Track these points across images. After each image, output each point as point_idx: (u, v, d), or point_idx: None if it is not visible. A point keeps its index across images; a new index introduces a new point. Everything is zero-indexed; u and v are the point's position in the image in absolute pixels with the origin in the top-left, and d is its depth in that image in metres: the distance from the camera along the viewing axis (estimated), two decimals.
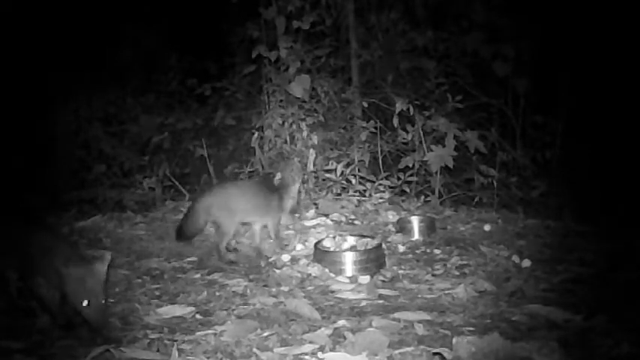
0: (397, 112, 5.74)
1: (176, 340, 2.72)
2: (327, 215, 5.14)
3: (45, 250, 2.90)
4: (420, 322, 2.89)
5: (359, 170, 5.83)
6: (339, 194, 5.62)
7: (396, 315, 2.99)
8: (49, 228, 3.17)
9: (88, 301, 2.70)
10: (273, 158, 5.95)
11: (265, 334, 2.78)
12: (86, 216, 5.30)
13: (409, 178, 5.73)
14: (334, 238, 4.20)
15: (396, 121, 5.82)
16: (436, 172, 5.66)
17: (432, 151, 5.64)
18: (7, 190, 5.34)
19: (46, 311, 2.98)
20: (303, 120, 5.91)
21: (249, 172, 5.76)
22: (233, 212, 4.16)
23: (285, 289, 3.52)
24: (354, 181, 5.72)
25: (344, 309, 3.21)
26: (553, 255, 4.10)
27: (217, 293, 3.43)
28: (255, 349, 2.60)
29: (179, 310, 3.16)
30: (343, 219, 5.12)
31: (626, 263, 3.73)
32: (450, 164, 5.53)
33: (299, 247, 4.34)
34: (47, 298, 2.95)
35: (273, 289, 3.50)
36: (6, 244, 3.04)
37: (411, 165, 5.76)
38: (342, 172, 5.64)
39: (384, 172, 5.87)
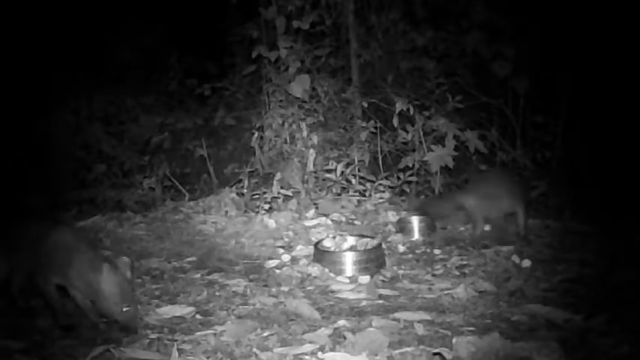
0: (397, 112, 5.74)
1: (176, 340, 2.72)
2: (327, 215, 5.14)
3: (67, 249, 2.89)
4: (420, 322, 2.89)
5: (359, 170, 5.83)
6: (339, 194, 5.62)
7: (396, 315, 3.00)
8: (69, 227, 3.17)
9: (127, 307, 2.75)
10: (273, 158, 5.95)
11: (265, 334, 2.79)
12: (86, 216, 5.30)
13: (409, 178, 5.72)
14: (334, 238, 4.20)
15: (396, 121, 5.82)
16: (436, 172, 5.65)
17: (432, 151, 5.64)
18: (6, 190, 5.35)
19: (51, 310, 2.99)
20: (303, 120, 5.90)
21: (249, 172, 5.75)
22: None
23: (285, 289, 3.52)
24: (354, 181, 5.72)
25: (344, 309, 3.21)
26: (553, 255, 4.10)
27: (217, 293, 3.44)
28: (255, 349, 2.60)
29: (179, 310, 3.16)
30: (343, 219, 5.12)
31: (626, 263, 3.73)
32: (450, 164, 5.53)
33: (299, 247, 4.35)
34: (55, 297, 2.96)
35: (273, 289, 3.50)
36: (22, 241, 3.02)
37: (411, 165, 5.76)
38: (342, 172, 5.64)
39: (384, 172, 5.87)
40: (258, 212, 5.24)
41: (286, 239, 4.62)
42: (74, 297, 2.99)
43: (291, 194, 5.49)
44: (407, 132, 5.86)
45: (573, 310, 2.98)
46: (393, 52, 6.41)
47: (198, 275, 3.78)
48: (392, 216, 5.13)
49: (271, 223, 4.93)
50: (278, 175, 5.59)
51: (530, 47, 6.02)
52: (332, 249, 4.03)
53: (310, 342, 2.69)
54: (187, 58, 7.36)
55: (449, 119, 5.71)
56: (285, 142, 5.94)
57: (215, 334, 2.80)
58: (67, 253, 2.87)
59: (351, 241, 4.14)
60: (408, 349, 2.57)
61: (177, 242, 4.56)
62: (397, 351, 2.55)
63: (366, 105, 6.16)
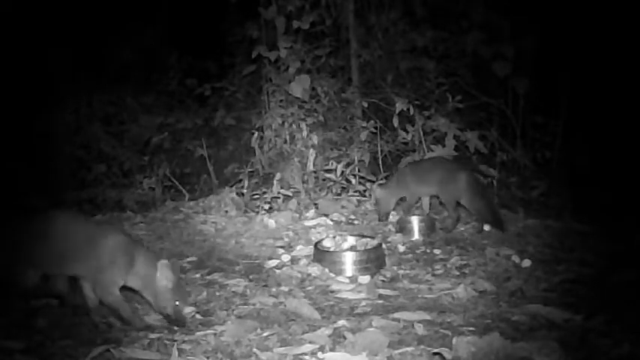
0: (397, 112, 5.75)
1: (176, 340, 2.72)
2: (327, 215, 5.14)
3: (128, 251, 2.96)
4: (420, 322, 2.89)
5: (359, 170, 5.83)
6: (339, 194, 5.62)
7: (396, 315, 2.99)
8: (119, 229, 3.17)
9: (178, 302, 2.94)
10: (273, 158, 5.95)
11: (265, 334, 2.79)
12: (86, 216, 5.29)
13: None
14: (334, 238, 4.20)
15: (396, 121, 5.82)
16: None
17: (432, 151, 5.64)
18: (6, 190, 5.35)
19: (116, 316, 2.99)
20: (303, 120, 5.91)
21: (249, 172, 5.75)
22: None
23: (285, 289, 3.52)
24: (354, 181, 5.72)
25: (344, 309, 3.21)
26: (553, 255, 4.10)
27: (217, 293, 3.44)
28: (255, 349, 2.60)
29: None
30: (343, 219, 5.12)
31: (626, 263, 3.73)
32: None
33: (299, 247, 4.35)
34: (121, 300, 2.99)
35: (273, 289, 3.50)
36: (76, 247, 2.98)
37: None
38: (342, 172, 5.64)
39: (384, 172, 5.87)
40: (258, 212, 5.24)
41: (286, 239, 4.62)
42: (83, 292, 3.00)
43: (291, 194, 5.49)
44: (407, 132, 5.87)
45: (573, 310, 2.98)
46: (393, 52, 6.42)
47: (198, 275, 3.78)
48: (392, 216, 5.14)
49: (271, 223, 4.93)
50: (278, 175, 5.59)
51: (530, 47, 6.02)
52: (332, 249, 4.03)
53: (310, 342, 2.69)
54: (187, 58, 7.37)
55: (449, 119, 5.72)
56: (285, 142, 5.94)
57: (215, 334, 2.79)
58: (128, 254, 2.95)
59: (351, 241, 4.13)
60: (408, 349, 2.57)
61: (178, 242, 4.56)
62: (397, 351, 2.55)
63: (366, 105, 6.17)
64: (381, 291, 3.49)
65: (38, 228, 3.02)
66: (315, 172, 5.78)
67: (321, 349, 2.61)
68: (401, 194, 5.03)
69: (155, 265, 2.92)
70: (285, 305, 3.18)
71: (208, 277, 3.73)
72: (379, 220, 4.99)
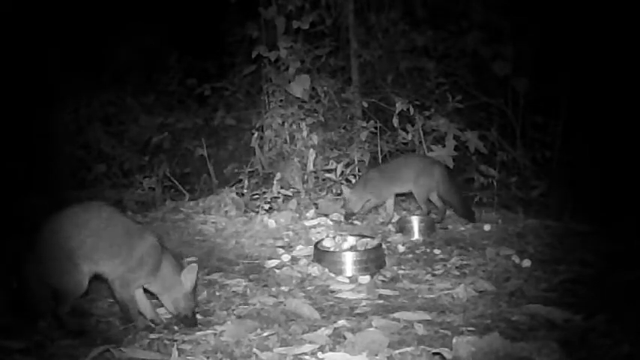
0: (397, 112, 5.75)
1: (176, 340, 2.72)
2: (327, 215, 5.14)
3: (158, 255, 2.97)
4: (420, 322, 2.89)
5: (359, 170, 5.83)
6: (339, 194, 5.62)
7: (396, 315, 3.00)
8: (154, 232, 3.15)
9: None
10: (273, 158, 5.95)
11: (265, 334, 2.79)
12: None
13: None
14: (334, 238, 4.20)
15: (396, 121, 5.82)
16: None
17: (432, 151, 5.65)
18: (7, 190, 5.34)
19: (125, 316, 2.98)
20: (303, 120, 5.91)
21: (249, 172, 5.75)
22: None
23: (285, 289, 3.52)
24: (354, 181, 5.71)
25: (344, 309, 3.21)
26: (553, 255, 4.10)
27: (217, 293, 3.44)
28: (255, 349, 2.60)
29: None
30: (343, 219, 5.12)
31: (626, 263, 3.73)
32: (450, 164, 5.53)
33: (299, 247, 4.35)
34: (135, 303, 3.00)
35: (273, 289, 3.50)
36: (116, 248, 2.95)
37: None
38: (342, 172, 5.64)
39: None
40: (258, 212, 5.24)
41: (286, 239, 4.62)
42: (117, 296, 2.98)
43: (291, 194, 5.49)
44: (407, 132, 5.87)
45: (573, 310, 2.98)
46: (393, 52, 6.42)
47: (199, 275, 3.78)
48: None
49: (271, 223, 4.93)
50: (278, 175, 5.59)
51: (530, 47, 6.03)
52: (332, 249, 4.03)
53: (310, 342, 2.69)
54: (187, 58, 7.37)
55: (449, 119, 5.72)
56: (285, 142, 5.94)
57: (215, 334, 2.80)
58: (157, 259, 2.96)
59: (351, 241, 4.14)
60: (408, 349, 2.57)
61: (178, 242, 4.56)
62: (397, 351, 2.55)
63: (366, 105, 6.17)
64: (381, 291, 3.49)
65: (83, 218, 2.93)
66: (315, 172, 5.78)
67: (321, 349, 2.62)
68: (369, 197, 5.08)
69: (178, 271, 2.97)
70: (285, 305, 3.19)
71: (208, 277, 3.72)
72: (345, 219, 5.06)
